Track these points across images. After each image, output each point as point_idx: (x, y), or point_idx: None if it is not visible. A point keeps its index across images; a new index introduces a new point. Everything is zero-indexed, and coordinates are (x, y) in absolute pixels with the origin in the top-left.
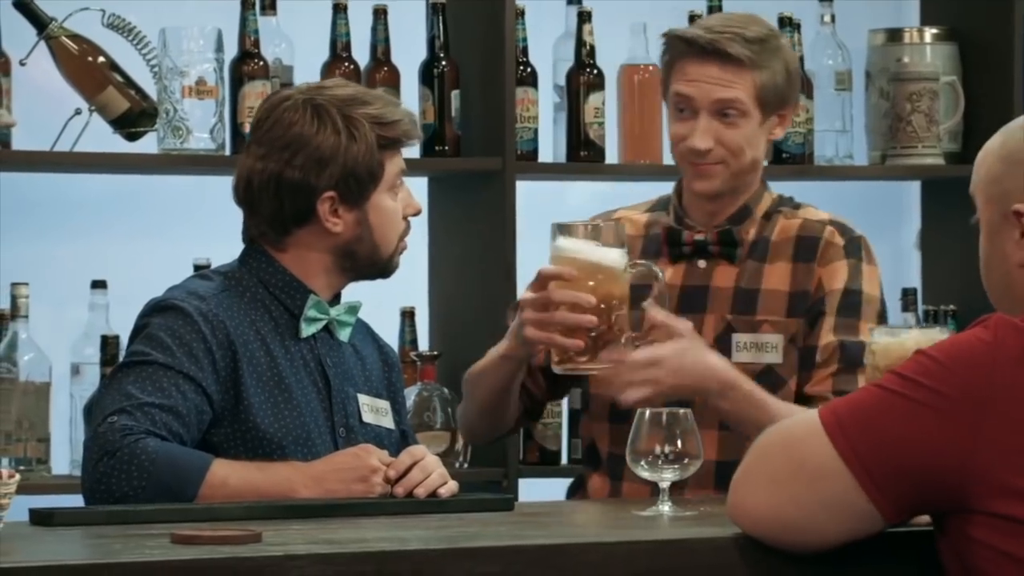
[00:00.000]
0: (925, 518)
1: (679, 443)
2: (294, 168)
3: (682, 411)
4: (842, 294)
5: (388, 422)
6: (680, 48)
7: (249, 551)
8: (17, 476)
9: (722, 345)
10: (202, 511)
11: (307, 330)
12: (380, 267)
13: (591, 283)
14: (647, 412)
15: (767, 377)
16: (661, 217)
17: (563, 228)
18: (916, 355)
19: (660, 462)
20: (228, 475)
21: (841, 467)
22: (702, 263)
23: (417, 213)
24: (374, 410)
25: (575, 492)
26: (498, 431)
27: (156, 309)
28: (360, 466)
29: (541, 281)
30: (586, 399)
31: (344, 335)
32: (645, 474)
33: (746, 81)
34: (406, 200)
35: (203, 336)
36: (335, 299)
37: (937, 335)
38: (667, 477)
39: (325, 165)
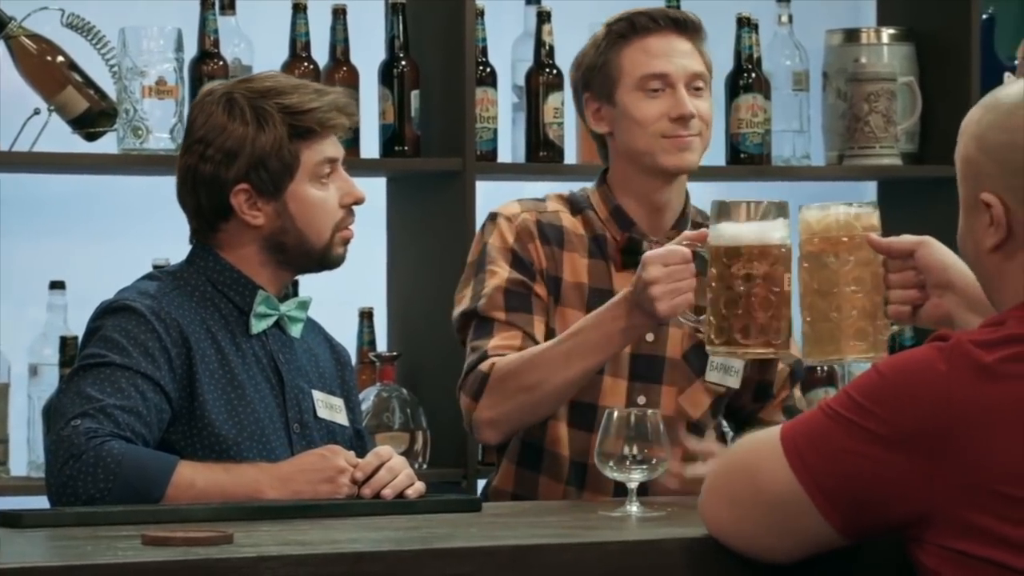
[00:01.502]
0: None
1: (647, 444)
2: (206, 162)
3: (650, 412)
4: None
5: (342, 419)
6: (644, 26)
7: (221, 552)
8: None
9: (692, 362)
10: (170, 512)
11: (257, 326)
12: (316, 258)
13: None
14: (615, 413)
15: (722, 401)
16: (593, 221)
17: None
18: (870, 370)
19: (628, 463)
20: (194, 476)
21: (802, 495)
22: None
23: (358, 201)
24: (328, 406)
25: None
26: (540, 421)
27: (108, 311)
28: (327, 467)
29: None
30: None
31: (295, 331)
32: (613, 475)
33: (702, 53)
34: (343, 188)
35: (157, 335)
36: (286, 295)
37: (861, 208)
38: (635, 478)
39: (234, 157)
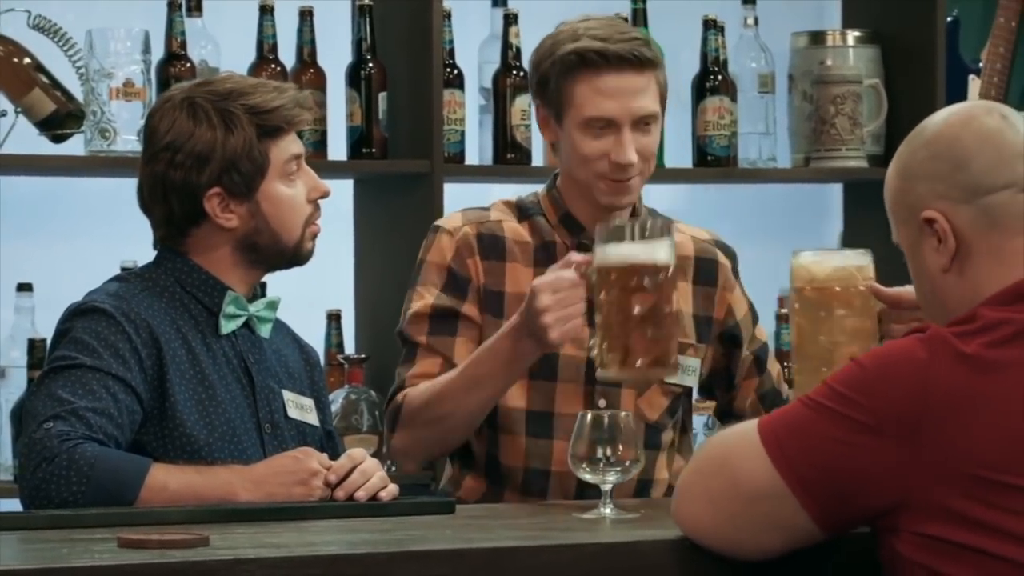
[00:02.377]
0: None
1: (620, 446)
2: (176, 168)
3: (623, 414)
4: (749, 317)
5: (313, 419)
6: (592, 63)
7: (198, 555)
8: None
9: None
10: (144, 515)
11: (227, 327)
12: (289, 255)
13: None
14: (588, 415)
15: (682, 401)
16: (540, 223)
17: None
18: (851, 363)
19: (602, 465)
20: (167, 479)
21: (780, 485)
22: None
23: (324, 195)
24: (299, 406)
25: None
26: (455, 449)
27: (77, 313)
28: (300, 469)
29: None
30: (493, 410)
31: (265, 331)
32: (587, 477)
33: (653, 85)
34: (310, 184)
35: (127, 336)
36: (255, 295)
37: (861, 259)
38: (610, 480)
39: (205, 162)
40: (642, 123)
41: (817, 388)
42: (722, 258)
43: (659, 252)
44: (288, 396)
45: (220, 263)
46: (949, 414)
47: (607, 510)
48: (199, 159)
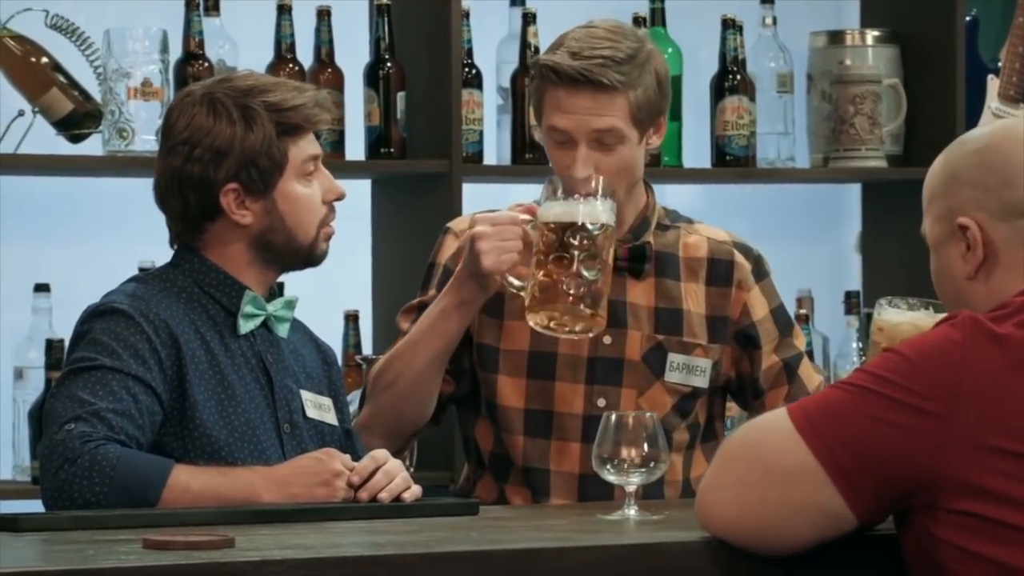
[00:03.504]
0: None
1: (645, 447)
2: (193, 163)
3: (648, 415)
4: (771, 319)
5: (331, 418)
6: (549, 78)
7: (224, 556)
8: None
9: (652, 363)
10: (167, 516)
11: (245, 326)
12: (303, 255)
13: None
14: (613, 416)
15: (690, 401)
16: None
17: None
18: (885, 352)
19: (626, 466)
20: (190, 480)
21: (814, 465)
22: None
23: (340, 197)
24: (317, 406)
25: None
26: (416, 425)
27: (95, 314)
28: (323, 470)
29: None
30: (494, 409)
31: (283, 331)
32: (611, 478)
33: (620, 106)
34: (326, 185)
35: (147, 336)
36: (272, 295)
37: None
38: (634, 481)
39: (223, 157)
40: (601, 141)
41: (852, 375)
42: (739, 258)
43: (598, 208)
44: (306, 396)
45: (235, 261)
46: (984, 390)
47: (631, 511)
48: (217, 154)
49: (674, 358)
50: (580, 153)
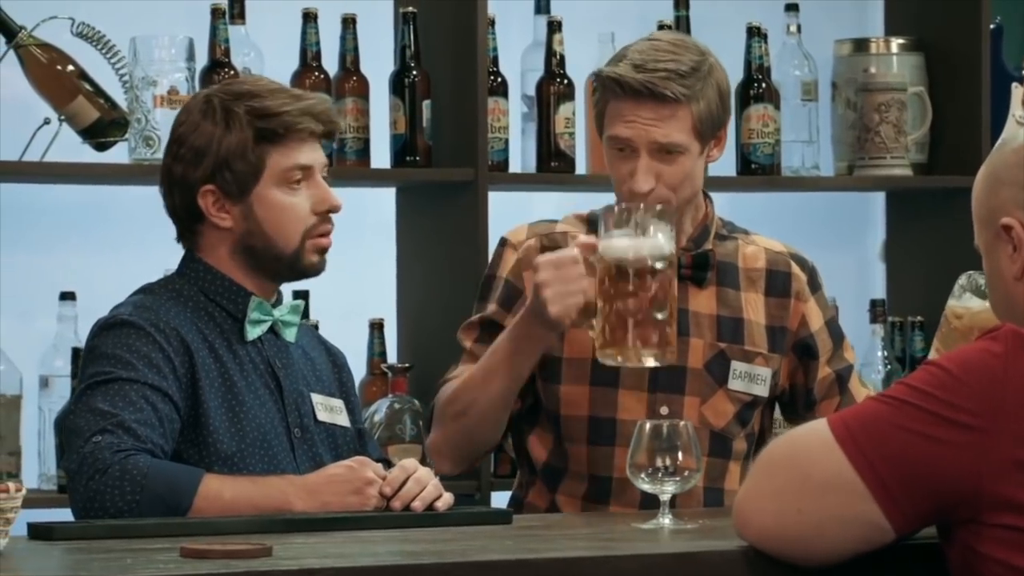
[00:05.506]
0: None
1: (680, 456)
2: (178, 162)
3: (682, 423)
4: (826, 331)
5: (343, 420)
6: (613, 90)
7: (263, 565)
8: (24, 490)
9: (715, 371)
10: (201, 525)
11: (252, 332)
12: (288, 263)
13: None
14: (647, 425)
15: (750, 410)
16: None
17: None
18: (927, 366)
19: (660, 475)
20: (222, 488)
21: (853, 477)
22: None
23: (332, 210)
24: (328, 409)
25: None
26: (487, 448)
27: (104, 328)
28: (355, 478)
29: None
30: (555, 419)
31: (290, 335)
32: (646, 487)
33: (683, 118)
34: (318, 196)
35: (159, 346)
36: (278, 301)
37: None
38: (668, 490)
39: (202, 157)
40: (663, 151)
41: (892, 388)
42: (796, 269)
43: (660, 240)
44: (317, 399)
45: (229, 266)
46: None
47: (666, 520)
48: (197, 154)
49: (737, 366)
50: (641, 164)
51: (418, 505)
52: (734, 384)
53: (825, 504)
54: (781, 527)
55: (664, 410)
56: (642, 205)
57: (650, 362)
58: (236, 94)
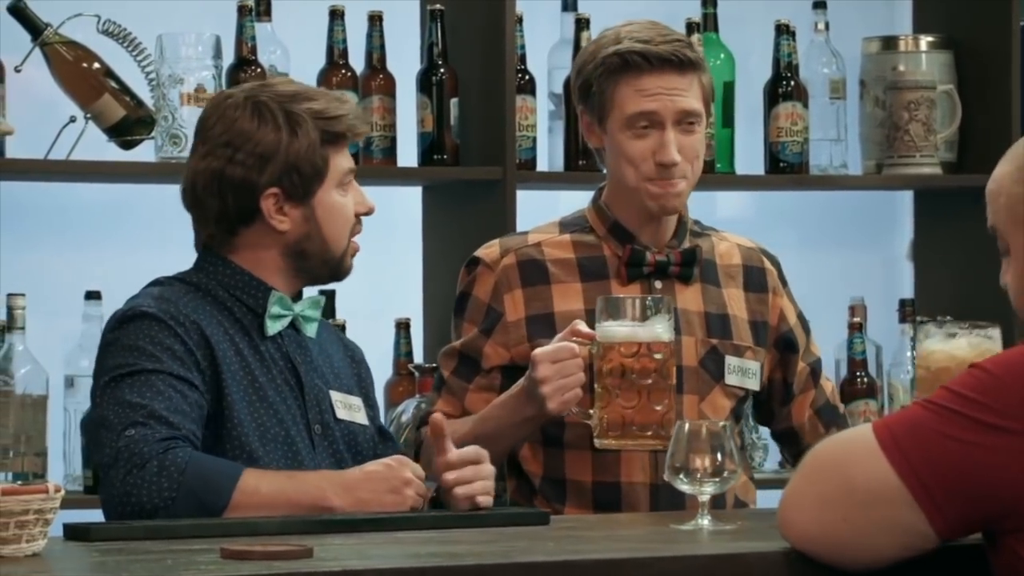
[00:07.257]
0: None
1: (719, 457)
2: (236, 165)
3: (721, 424)
4: (800, 324)
5: (362, 418)
6: (635, 65)
7: (304, 566)
8: (63, 491)
9: (710, 367)
10: (238, 525)
11: (273, 327)
12: (332, 267)
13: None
14: (687, 425)
15: (742, 405)
16: (585, 237)
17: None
18: (971, 369)
19: (699, 476)
20: (259, 484)
21: (897, 484)
22: (658, 283)
23: (370, 212)
24: (347, 406)
25: None
26: None
27: (123, 320)
28: (393, 477)
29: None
30: (556, 433)
31: (310, 331)
32: (684, 488)
33: (697, 86)
34: (358, 198)
35: (180, 338)
36: (297, 296)
37: (991, 345)
38: (707, 491)
39: (267, 161)
40: (685, 122)
41: (937, 393)
42: (768, 264)
43: (659, 330)
44: (336, 397)
45: (265, 267)
46: None
47: (704, 521)
48: (261, 158)
49: (731, 361)
50: (668, 136)
51: (461, 492)
52: (730, 379)
53: (870, 513)
54: (825, 534)
55: None
56: (639, 296)
57: (648, 449)
58: (288, 96)
